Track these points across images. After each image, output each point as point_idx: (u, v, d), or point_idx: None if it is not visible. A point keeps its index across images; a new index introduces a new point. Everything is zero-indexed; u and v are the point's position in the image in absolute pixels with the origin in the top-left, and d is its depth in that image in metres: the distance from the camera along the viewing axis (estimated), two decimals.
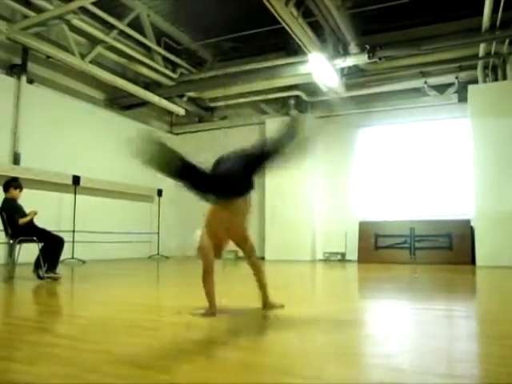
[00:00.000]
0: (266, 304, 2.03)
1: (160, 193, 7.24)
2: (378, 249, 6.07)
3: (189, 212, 8.00)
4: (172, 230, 7.29)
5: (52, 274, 3.23)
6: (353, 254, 6.33)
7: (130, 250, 6.58)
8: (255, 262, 2.05)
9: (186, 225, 7.43)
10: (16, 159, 5.28)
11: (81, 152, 5.99)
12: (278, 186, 6.61)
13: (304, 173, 6.67)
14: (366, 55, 5.09)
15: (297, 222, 6.54)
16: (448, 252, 5.59)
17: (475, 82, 5.71)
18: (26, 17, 4.70)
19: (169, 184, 8.03)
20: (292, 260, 6.24)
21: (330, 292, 3.07)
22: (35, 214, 3.45)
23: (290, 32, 4.53)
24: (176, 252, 7.19)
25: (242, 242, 1.99)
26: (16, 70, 5.32)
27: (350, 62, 5.27)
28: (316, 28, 4.95)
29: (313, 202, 6.81)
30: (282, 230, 6.54)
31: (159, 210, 7.22)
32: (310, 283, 3.86)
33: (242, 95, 6.66)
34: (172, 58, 6.11)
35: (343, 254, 6.47)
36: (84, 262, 5.28)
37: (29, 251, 3.59)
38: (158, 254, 6.99)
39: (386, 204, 6.49)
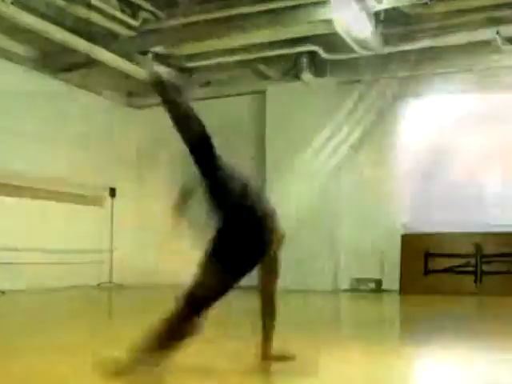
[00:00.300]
0: (268, 354, 2.01)
1: (113, 193, 7.05)
2: (429, 273, 5.89)
3: (156, 219, 7.21)
4: (131, 246, 7.09)
5: None
6: (392, 282, 6.17)
7: (69, 276, 6.35)
8: (273, 294, 2.02)
9: (150, 238, 7.01)
10: None
11: None
12: (287, 181, 6.37)
13: (322, 163, 6.45)
14: None
15: (312, 235, 6.29)
16: None
17: None
18: None
19: (127, 179, 7.77)
20: (305, 290, 6.03)
21: (363, 337, 2.99)
22: None
23: None
24: (137, 278, 6.90)
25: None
26: None
27: (388, 3, 5.07)
28: None
29: (335, 205, 6.58)
30: (290, 247, 6.43)
31: (112, 217, 7.06)
32: (331, 324, 3.70)
33: (232, 51, 6.42)
34: None
35: (378, 282, 6.30)
36: (3, 292, 5.14)
37: None
38: (110, 281, 6.81)
39: (441, 209, 6.22)
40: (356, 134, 6.64)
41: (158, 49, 6.50)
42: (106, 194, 7.04)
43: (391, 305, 4.79)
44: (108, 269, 6.92)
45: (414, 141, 6.52)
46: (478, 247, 5.79)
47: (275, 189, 6.33)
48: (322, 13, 5.31)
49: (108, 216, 7.06)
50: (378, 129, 6.56)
